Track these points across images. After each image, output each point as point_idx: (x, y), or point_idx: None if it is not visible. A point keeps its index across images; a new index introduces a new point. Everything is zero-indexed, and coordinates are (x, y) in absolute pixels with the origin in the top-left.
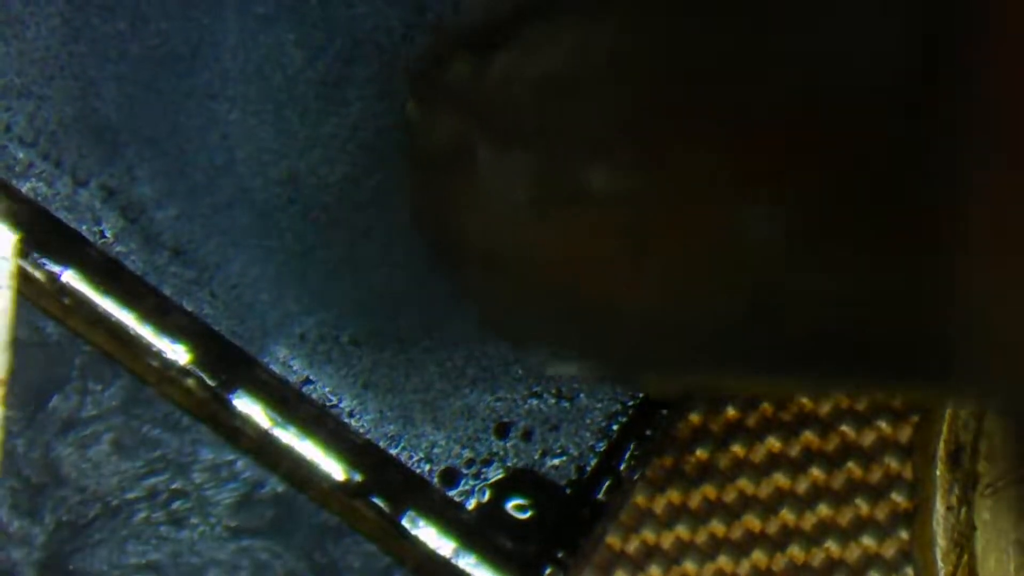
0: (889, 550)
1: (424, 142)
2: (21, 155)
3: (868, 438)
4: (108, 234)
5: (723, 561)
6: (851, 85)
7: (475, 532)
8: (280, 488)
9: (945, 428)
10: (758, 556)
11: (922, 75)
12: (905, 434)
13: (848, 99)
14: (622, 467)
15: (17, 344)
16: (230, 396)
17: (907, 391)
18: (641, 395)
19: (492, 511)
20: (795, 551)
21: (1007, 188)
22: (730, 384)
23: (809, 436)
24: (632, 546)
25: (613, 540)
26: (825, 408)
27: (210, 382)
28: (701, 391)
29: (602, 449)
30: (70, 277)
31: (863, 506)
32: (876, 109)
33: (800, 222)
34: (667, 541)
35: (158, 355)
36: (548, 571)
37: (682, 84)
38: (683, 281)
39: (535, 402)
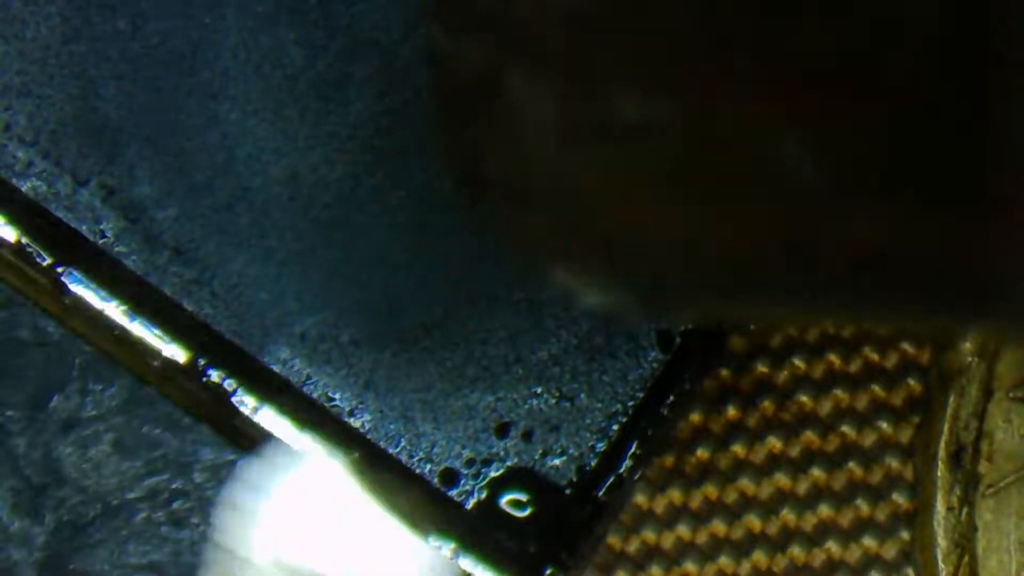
0: (890, 551)
1: (451, 71)
2: (21, 154)
3: (869, 438)
4: (108, 233)
5: (724, 562)
6: (897, 24)
7: (475, 532)
8: None
9: (946, 429)
10: (759, 557)
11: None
12: (906, 435)
13: (894, 40)
14: (622, 467)
15: (17, 344)
16: (230, 396)
17: (943, 321)
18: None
19: (492, 511)
20: (796, 552)
21: None
22: (762, 311)
23: (810, 436)
24: (633, 546)
25: (614, 540)
26: (826, 408)
27: (211, 382)
28: (731, 319)
29: (602, 449)
30: (70, 277)
31: (864, 507)
32: (922, 50)
33: (841, 160)
34: (668, 541)
35: (158, 355)
36: (548, 571)
37: (719, 18)
38: (717, 212)
39: (535, 402)
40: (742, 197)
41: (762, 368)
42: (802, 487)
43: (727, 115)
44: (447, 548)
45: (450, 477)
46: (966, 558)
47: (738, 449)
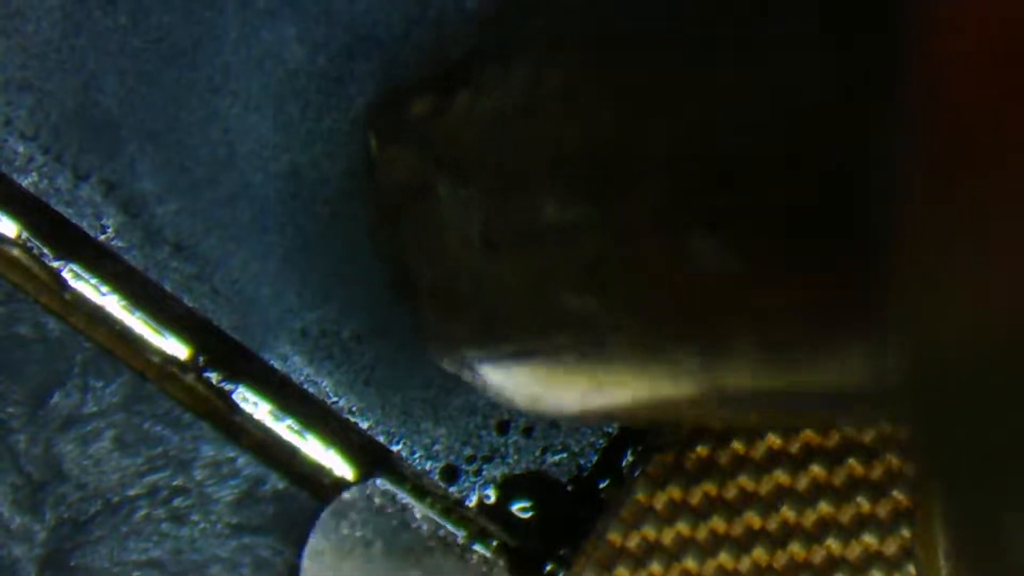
0: (890, 547)
1: (385, 178)
2: (22, 149)
3: (869, 434)
4: (109, 229)
5: (724, 558)
6: (790, 114)
7: (476, 528)
8: (281, 485)
9: None
10: (759, 553)
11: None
12: (906, 431)
13: (788, 128)
14: (623, 464)
15: (18, 340)
16: (231, 392)
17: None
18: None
19: (493, 508)
20: (796, 548)
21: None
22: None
23: (810, 433)
24: (633, 542)
25: (614, 536)
26: None
27: (211, 378)
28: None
29: (603, 446)
30: (71, 272)
31: (864, 503)
32: (814, 137)
33: (749, 253)
34: (668, 537)
35: (159, 351)
36: (549, 567)
37: (628, 117)
38: (637, 309)
39: None
40: (655, 290)
41: None
42: (802, 484)
43: (640, 214)
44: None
45: (451, 473)
46: None
47: (738, 446)
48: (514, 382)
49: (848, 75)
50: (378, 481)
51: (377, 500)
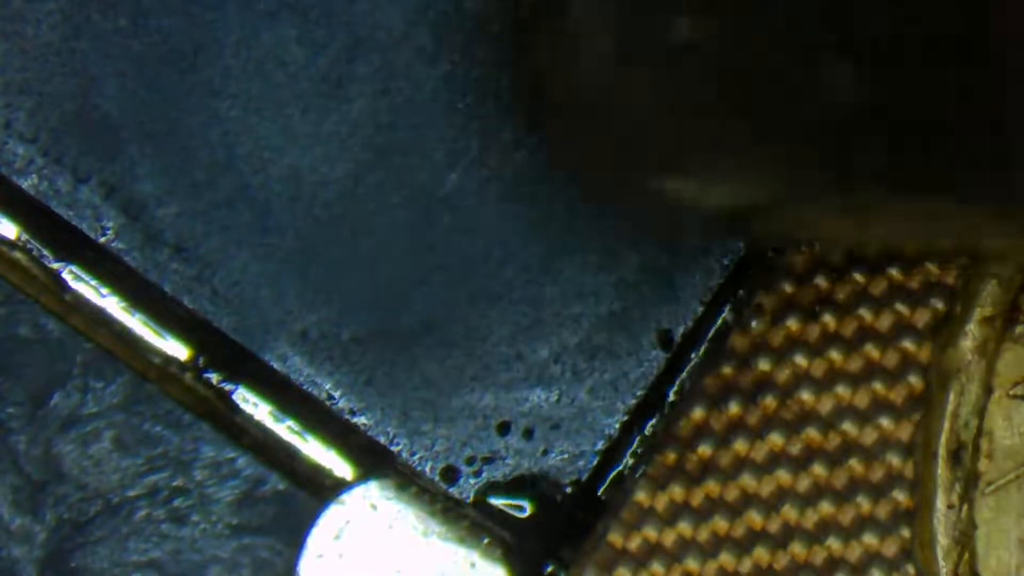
0: (890, 548)
1: None
2: (22, 151)
3: (869, 436)
4: (109, 231)
5: (725, 559)
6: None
7: (476, 530)
8: (281, 486)
9: (946, 426)
10: (760, 554)
11: None
12: (906, 432)
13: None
14: (623, 465)
15: (18, 341)
16: (231, 393)
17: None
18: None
19: (493, 509)
20: (797, 549)
21: None
22: (809, 216)
23: (811, 434)
24: (634, 544)
25: (615, 538)
26: (827, 406)
27: (211, 379)
28: (782, 230)
29: (603, 447)
30: (71, 274)
31: (864, 504)
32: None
33: (879, 83)
34: (669, 539)
35: (159, 352)
36: (549, 569)
37: None
38: (763, 130)
39: (536, 400)
40: (786, 111)
41: (763, 366)
42: (803, 484)
43: (774, 35)
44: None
45: (451, 475)
46: (966, 555)
47: (739, 446)
48: (637, 190)
49: None
50: (377, 483)
51: (376, 502)
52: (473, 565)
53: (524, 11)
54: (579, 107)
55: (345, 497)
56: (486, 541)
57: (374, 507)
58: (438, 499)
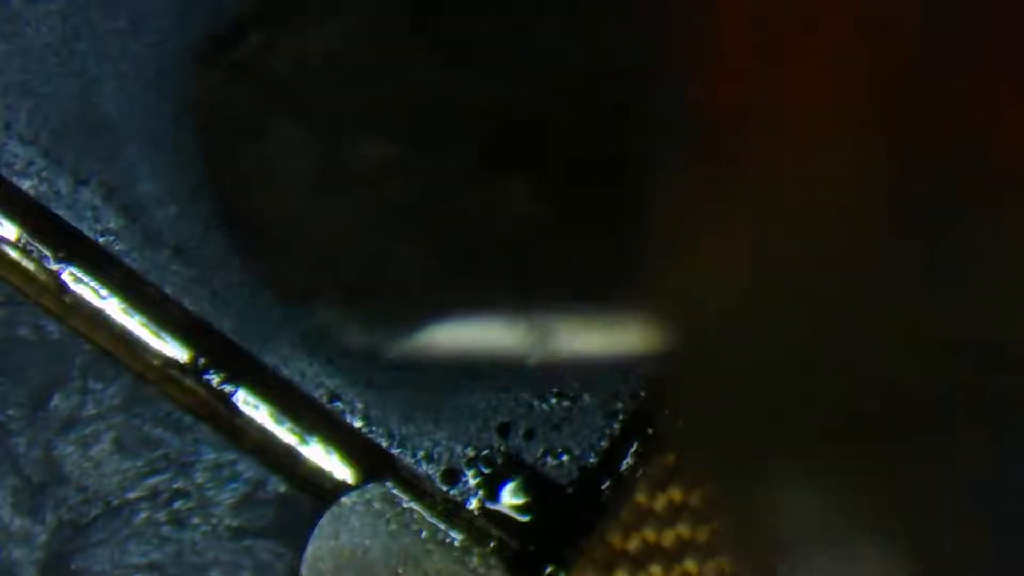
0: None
1: (219, 117)
2: (22, 153)
3: None
4: (109, 232)
5: (724, 560)
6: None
7: (477, 531)
8: (282, 488)
9: None
10: None
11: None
12: None
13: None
14: (623, 466)
15: (18, 343)
16: (232, 395)
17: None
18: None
19: (493, 510)
20: None
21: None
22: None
23: None
24: (633, 544)
25: (614, 538)
26: None
27: (212, 381)
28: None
29: (603, 448)
30: (71, 276)
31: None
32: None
33: (556, 199)
34: (668, 539)
35: (159, 354)
36: (550, 570)
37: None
38: (446, 246)
39: (537, 402)
40: (468, 233)
41: None
42: None
43: (456, 163)
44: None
45: (452, 476)
46: None
47: None
48: (344, 321)
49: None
50: (377, 485)
51: (376, 504)
52: (473, 566)
53: (219, 134)
54: (272, 228)
55: (344, 500)
56: (486, 542)
57: (374, 510)
58: (439, 500)
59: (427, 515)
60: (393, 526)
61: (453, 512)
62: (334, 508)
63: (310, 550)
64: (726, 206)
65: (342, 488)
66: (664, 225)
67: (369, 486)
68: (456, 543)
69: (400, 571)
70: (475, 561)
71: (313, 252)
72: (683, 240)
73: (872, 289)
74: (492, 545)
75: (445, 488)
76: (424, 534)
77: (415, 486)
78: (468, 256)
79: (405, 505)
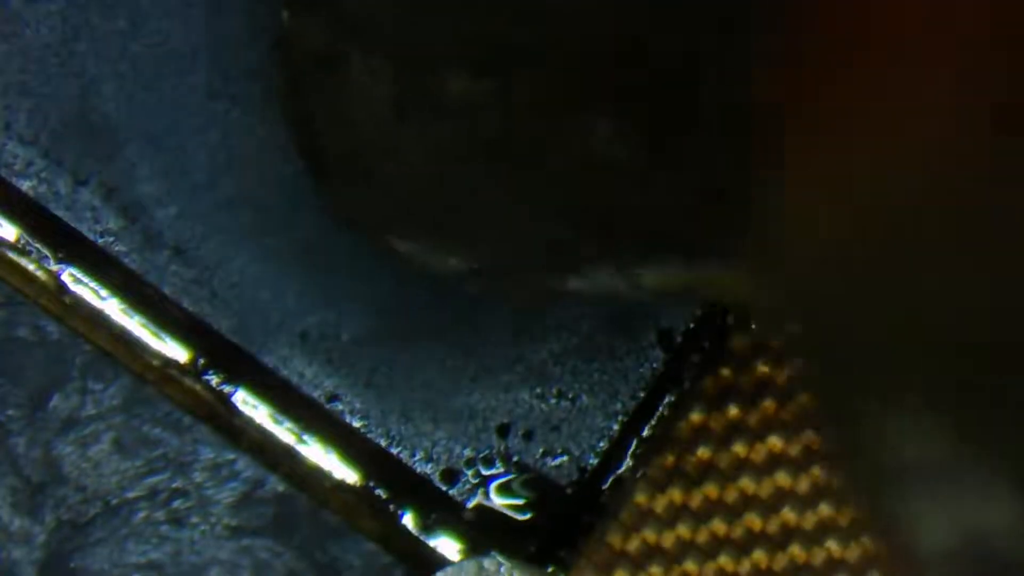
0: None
1: (297, 48)
2: (21, 153)
3: None
4: (108, 233)
5: (724, 560)
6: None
7: (476, 531)
8: (280, 487)
9: None
10: (759, 555)
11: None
12: None
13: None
14: (623, 466)
15: (18, 343)
16: (231, 395)
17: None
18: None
19: (493, 510)
20: (796, 550)
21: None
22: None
23: (810, 435)
24: (633, 545)
25: (614, 539)
26: None
27: (211, 381)
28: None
29: (603, 449)
30: (70, 276)
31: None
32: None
33: (631, 135)
34: (668, 540)
35: (158, 354)
36: (549, 570)
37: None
38: (527, 184)
39: (536, 402)
40: (557, 168)
41: (763, 368)
42: (803, 486)
43: (537, 95)
44: (448, 547)
45: (451, 476)
46: None
47: (739, 448)
48: (415, 248)
49: None
50: (480, 560)
51: None
52: (472, 566)
53: (297, 66)
54: (353, 158)
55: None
56: (486, 543)
57: None
58: (438, 501)
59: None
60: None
61: (452, 512)
62: None
63: None
64: (831, 145)
65: (342, 487)
66: (764, 169)
67: (473, 561)
68: (455, 543)
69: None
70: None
71: (396, 185)
72: (784, 184)
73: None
74: (491, 545)
75: (444, 488)
76: (423, 533)
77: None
78: (553, 193)
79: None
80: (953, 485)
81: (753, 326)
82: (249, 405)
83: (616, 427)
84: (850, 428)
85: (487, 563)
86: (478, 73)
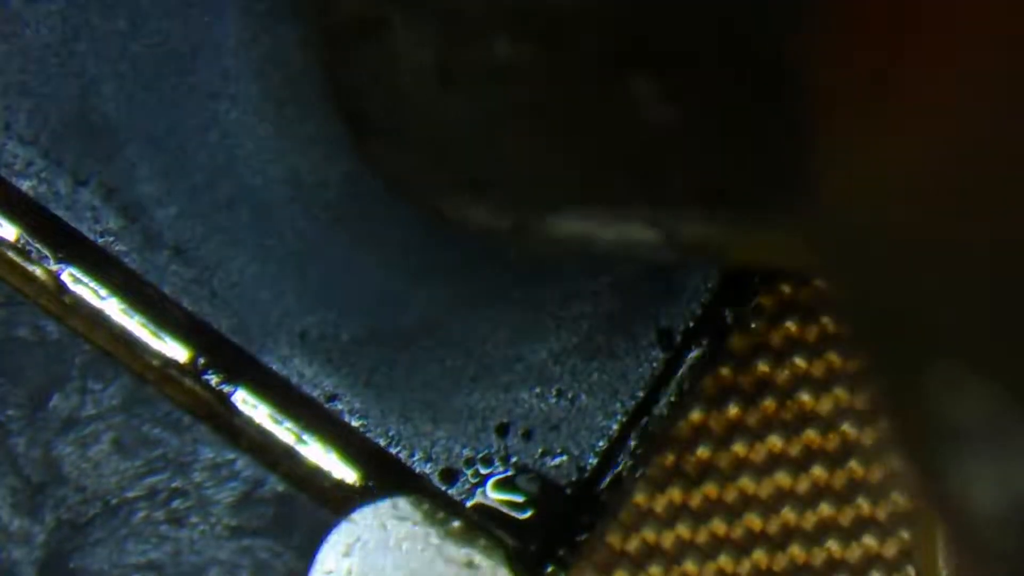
0: (891, 550)
1: (338, 11)
2: (21, 153)
3: (869, 437)
4: (108, 232)
5: (724, 561)
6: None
7: (475, 531)
8: (280, 487)
9: None
10: (759, 556)
11: None
12: None
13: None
14: (622, 466)
15: (17, 343)
16: (230, 395)
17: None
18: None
19: (492, 510)
20: (796, 551)
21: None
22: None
23: (810, 435)
24: (632, 545)
25: (613, 539)
26: (827, 407)
27: (210, 381)
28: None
29: (602, 448)
30: (70, 276)
31: (864, 505)
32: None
33: (676, 95)
34: (668, 540)
35: (158, 354)
36: (549, 570)
37: None
38: (574, 144)
39: (535, 401)
40: (599, 131)
41: (763, 367)
42: (803, 486)
43: (588, 58)
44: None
45: (450, 476)
46: None
47: (738, 448)
48: (464, 211)
49: None
50: (388, 504)
51: (387, 524)
52: (471, 566)
53: (340, 28)
54: (397, 121)
55: (355, 515)
56: (485, 542)
57: (384, 527)
58: (437, 500)
59: (425, 514)
60: (405, 545)
61: (451, 511)
62: (344, 524)
63: (318, 564)
64: (886, 109)
65: (342, 488)
66: (814, 132)
67: (384, 502)
68: (454, 542)
69: (398, 569)
70: (473, 560)
71: (440, 148)
72: (836, 149)
73: None
74: (490, 545)
75: (443, 487)
76: (422, 532)
77: (429, 503)
78: (595, 152)
79: (418, 523)
80: (1007, 447)
81: (753, 325)
82: (249, 405)
83: (616, 426)
84: (902, 386)
85: (401, 503)
86: (522, 38)
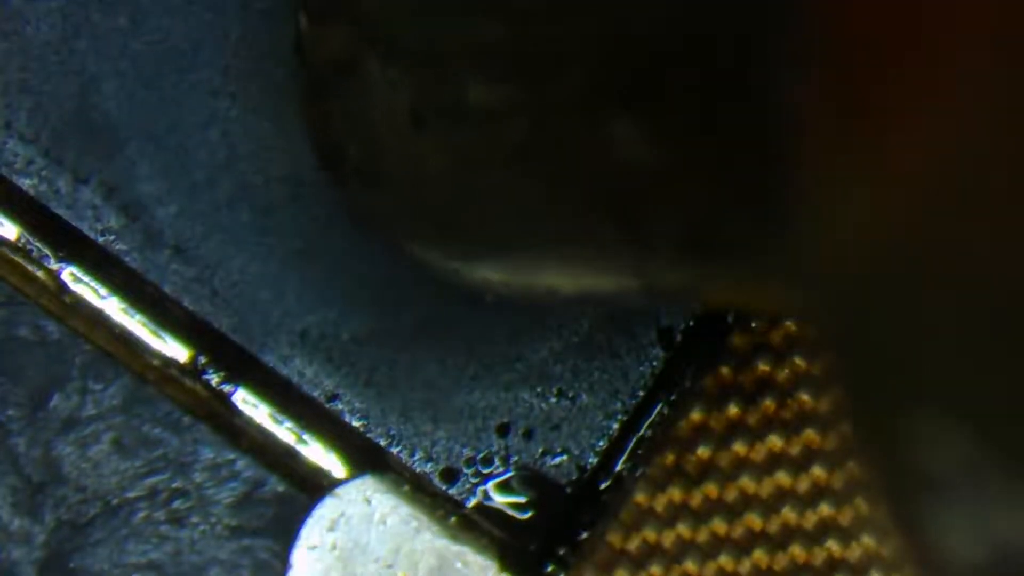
0: (891, 549)
1: (314, 55)
2: (21, 152)
3: None
4: (109, 231)
5: (724, 560)
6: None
7: (475, 531)
8: (281, 487)
9: None
10: (759, 555)
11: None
12: None
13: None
14: (623, 465)
15: (18, 343)
16: (231, 395)
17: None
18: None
19: (492, 510)
20: (796, 550)
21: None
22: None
23: (811, 435)
24: (633, 545)
25: (614, 539)
26: (827, 406)
27: (211, 381)
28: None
29: (603, 448)
30: (70, 275)
31: (864, 505)
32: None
33: (659, 137)
34: (668, 540)
35: (159, 354)
36: (549, 570)
37: (551, 10)
38: (553, 189)
39: (536, 401)
40: (579, 176)
41: (763, 366)
42: (803, 485)
43: (562, 98)
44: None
45: (451, 476)
46: None
47: (739, 447)
48: (437, 255)
49: None
50: (371, 479)
51: (371, 499)
52: (471, 566)
53: (314, 73)
54: (371, 165)
55: (338, 492)
56: (485, 542)
57: (368, 501)
58: (438, 500)
59: (425, 513)
60: (388, 522)
61: (451, 511)
62: (327, 501)
63: (301, 541)
64: (871, 147)
65: (337, 484)
66: (798, 173)
67: (362, 479)
68: (454, 541)
69: (393, 568)
70: (473, 560)
71: (414, 191)
72: (820, 190)
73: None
74: (490, 544)
75: (444, 487)
76: (421, 532)
77: (410, 483)
78: (575, 197)
79: (400, 501)
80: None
81: (754, 324)
82: (249, 405)
83: (616, 426)
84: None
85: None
86: (496, 80)
